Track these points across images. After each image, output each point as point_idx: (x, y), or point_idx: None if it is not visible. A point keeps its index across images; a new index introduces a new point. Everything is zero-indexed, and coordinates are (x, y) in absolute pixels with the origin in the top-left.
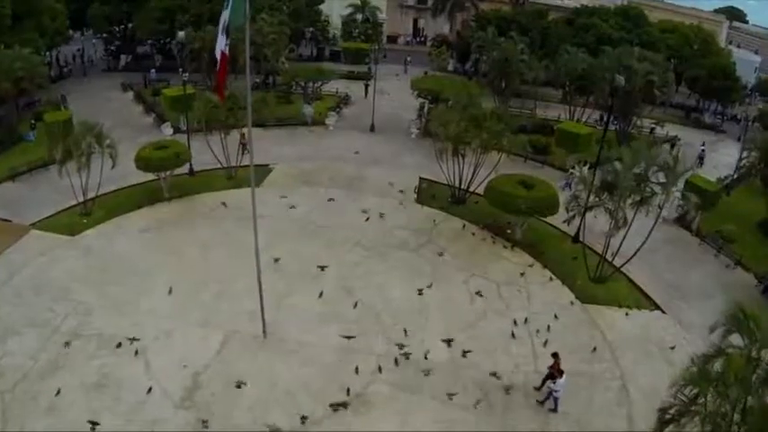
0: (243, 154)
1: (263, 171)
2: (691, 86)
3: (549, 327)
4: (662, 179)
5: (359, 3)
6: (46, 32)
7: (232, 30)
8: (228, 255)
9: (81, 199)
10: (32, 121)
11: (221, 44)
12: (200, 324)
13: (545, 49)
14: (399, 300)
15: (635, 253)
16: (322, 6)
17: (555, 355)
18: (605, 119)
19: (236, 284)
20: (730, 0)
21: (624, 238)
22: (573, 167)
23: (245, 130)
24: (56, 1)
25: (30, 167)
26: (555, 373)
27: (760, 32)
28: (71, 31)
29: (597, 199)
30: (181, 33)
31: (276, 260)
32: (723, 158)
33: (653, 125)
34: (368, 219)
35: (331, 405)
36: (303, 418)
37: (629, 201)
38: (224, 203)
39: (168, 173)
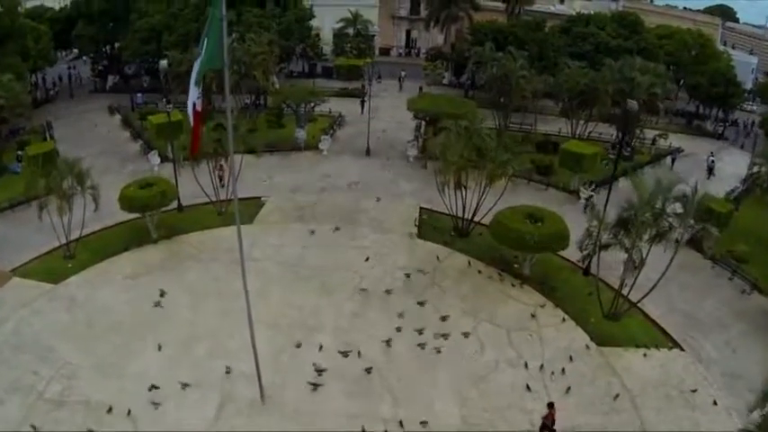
0: (222, 186)
1: (254, 205)
2: (691, 94)
3: (563, 371)
4: (679, 209)
5: (351, 17)
6: (29, 55)
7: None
8: (220, 305)
9: (64, 240)
10: (18, 153)
11: (193, 96)
12: (193, 386)
13: (543, 62)
14: (404, 354)
15: (651, 288)
16: (313, 21)
17: (550, 406)
18: (617, 146)
19: (229, 340)
20: None
21: (639, 270)
22: (581, 190)
23: (224, 161)
24: (39, 22)
25: (11, 204)
26: (549, 424)
27: (754, 32)
28: (57, 52)
29: (612, 237)
30: (163, 62)
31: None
32: (728, 168)
33: (655, 136)
34: (367, 259)
35: None
36: None
37: (646, 236)
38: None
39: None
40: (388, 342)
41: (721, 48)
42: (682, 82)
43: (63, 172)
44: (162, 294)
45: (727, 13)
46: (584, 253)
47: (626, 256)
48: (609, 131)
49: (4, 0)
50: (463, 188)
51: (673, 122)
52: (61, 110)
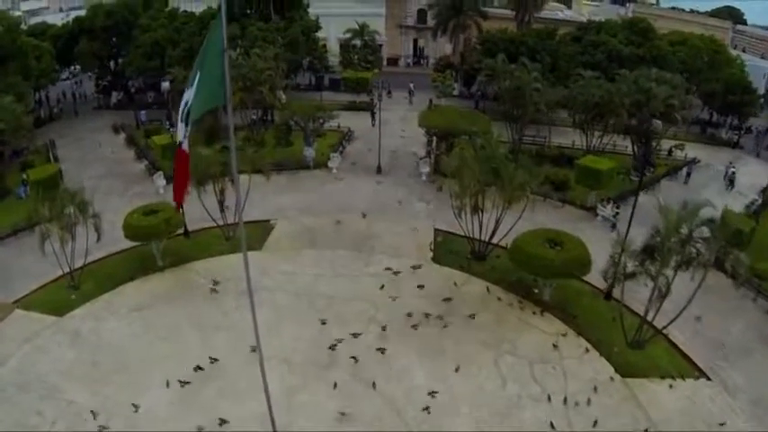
0: (222, 212)
1: (263, 229)
2: (706, 102)
3: (588, 403)
4: (706, 233)
5: (357, 28)
6: (31, 74)
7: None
8: (229, 340)
9: (67, 269)
10: (24, 177)
11: (181, 135)
12: (204, 428)
13: (556, 73)
14: (424, 389)
15: (677, 316)
16: (318, 32)
17: None
18: (640, 167)
19: (239, 377)
20: (727, 0)
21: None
22: (599, 207)
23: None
24: (41, 39)
25: (15, 229)
26: None
27: (765, 35)
28: (60, 68)
29: (638, 265)
30: (165, 83)
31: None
32: (745, 179)
33: (672, 147)
34: (382, 286)
35: None
36: None
37: (672, 263)
38: (214, 286)
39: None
40: (406, 377)
41: (734, 53)
42: (695, 90)
43: (65, 201)
44: (169, 329)
45: (734, 15)
46: (609, 282)
47: (650, 282)
48: (623, 143)
49: (4, 20)
50: (480, 211)
51: (687, 131)
52: (65, 128)
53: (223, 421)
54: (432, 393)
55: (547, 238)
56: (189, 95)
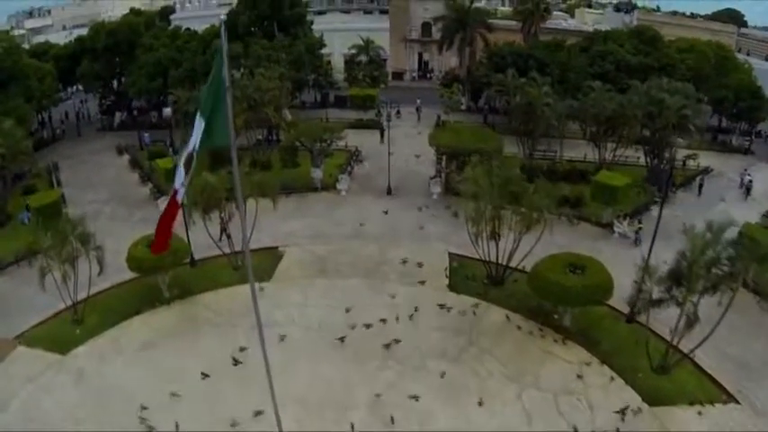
0: (221, 240)
1: (272, 257)
2: (716, 109)
3: None
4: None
5: (362, 43)
6: (33, 96)
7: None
8: (241, 380)
9: (70, 301)
10: (27, 204)
11: (178, 181)
12: None
13: (565, 85)
14: (446, 429)
15: (704, 339)
16: (323, 49)
17: None
18: (664, 189)
19: (253, 422)
20: (727, 2)
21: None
22: (615, 223)
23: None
24: (44, 60)
25: (17, 258)
26: None
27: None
28: (63, 88)
29: (664, 291)
30: (167, 110)
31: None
32: (759, 185)
33: (685, 157)
34: (397, 318)
35: None
36: None
37: (699, 288)
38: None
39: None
40: (429, 417)
41: (741, 58)
42: (705, 97)
43: (66, 232)
44: (177, 370)
45: (734, 17)
46: (636, 309)
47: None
48: (635, 155)
49: (5, 41)
50: (497, 236)
51: (701, 140)
52: (68, 149)
53: None
54: (453, 429)
55: (567, 263)
56: (194, 142)
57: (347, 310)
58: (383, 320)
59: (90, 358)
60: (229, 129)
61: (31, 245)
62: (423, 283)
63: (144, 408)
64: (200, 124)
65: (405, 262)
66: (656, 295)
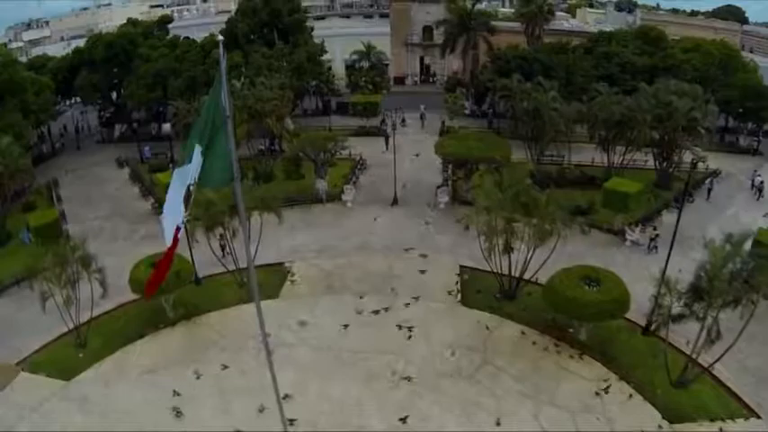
0: (224, 257)
1: (278, 274)
2: (723, 109)
3: None
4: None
5: (363, 48)
6: (30, 110)
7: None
8: (250, 405)
9: (72, 324)
10: (28, 223)
11: (177, 218)
12: None
13: (570, 88)
14: None
15: (724, 353)
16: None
17: None
18: (681, 198)
19: None
20: None
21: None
22: (627, 231)
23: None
24: (41, 72)
25: (17, 279)
26: None
27: None
28: (62, 101)
29: (685, 307)
30: (166, 126)
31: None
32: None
33: (694, 160)
34: (409, 336)
35: None
36: None
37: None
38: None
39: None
40: None
41: (747, 56)
42: (711, 98)
43: (66, 256)
44: (183, 395)
45: (735, 14)
46: (655, 326)
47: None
48: (643, 158)
49: (1, 56)
50: (511, 250)
51: (711, 142)
52: (68, 163)
53: None
54: None
55: (582, 276)
56: (192, 170)
57: (357, 328)
58: (394, 338)
59: (94, 384)
60: (232, 167)
61: (30, 270)
62: (433, 297)
63: None
64: (198, 156)
65: (414, 275)
66: (675, 310)
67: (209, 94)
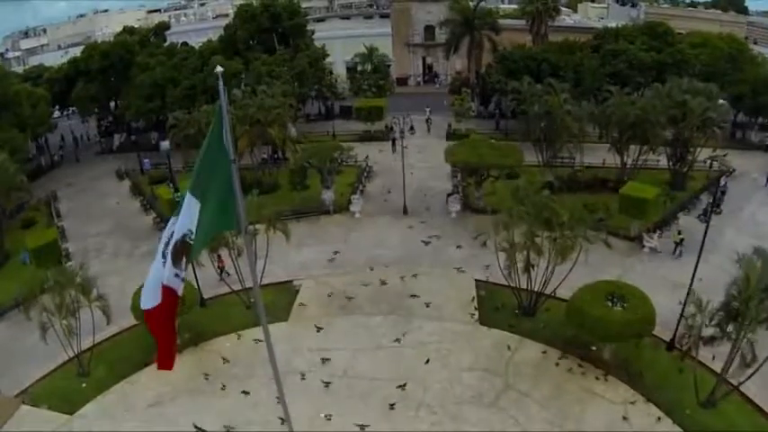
0: (221, 279)
1: (287, 293)
2: (734, 105)
3: None
4: None
5: (365, 50)
6: (26, 123)
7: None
8: None
9: (73, 352)
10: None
11: (168, 275)
12: None
13: (580, 88)
14: None
15: (755, 371)
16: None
17: None
18: (708, 210)
19: None
20: None
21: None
22: (645, 238)
23: (221, 251)
24: (37, 84)
25: (17, 302)
26: None
27: None
28: (60, 112)
29: (719, 330)
30: (164, 144)
31: None
32: None
33: (709, 159)
34: (427, 361)
35: None
36: None
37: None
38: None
39: None
40: None
41: (755, 49)
42: (724, 94)
43: (63, 285)
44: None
45: (735, 3)
46: (685, 348)
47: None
48: (655, 158)
49: None
50: (531, 267)
51: (726, 140)
52: (67, 176)
53: None
54: None
55: (606, 293)
56: (187, 225)
57: (372, 353)
58: (411, 363)
59: (98, 418)
60: (238, 213)
61: (28, 298)
62: (450, 317)
63: None
64: (194, 206)
65: (428, 292)
66: (706, 330)
67: (208, 134)
